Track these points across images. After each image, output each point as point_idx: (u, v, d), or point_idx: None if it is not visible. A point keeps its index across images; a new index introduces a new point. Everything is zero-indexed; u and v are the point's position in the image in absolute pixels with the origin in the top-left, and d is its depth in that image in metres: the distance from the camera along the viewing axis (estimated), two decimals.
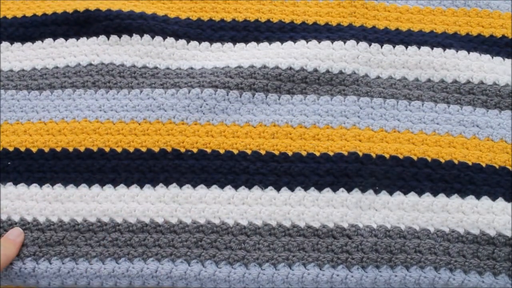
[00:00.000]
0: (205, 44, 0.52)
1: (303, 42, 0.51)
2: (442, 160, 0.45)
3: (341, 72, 0.49)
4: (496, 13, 0.54)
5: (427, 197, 0.44)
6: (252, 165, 0.45)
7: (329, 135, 0.46)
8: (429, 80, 0.50)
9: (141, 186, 0.44)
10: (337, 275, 0.40)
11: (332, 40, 0.51)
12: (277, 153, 0.46)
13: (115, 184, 0.45)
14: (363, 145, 0.46)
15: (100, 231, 0.42)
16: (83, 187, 0.44)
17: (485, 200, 0.43)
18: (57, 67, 0.50)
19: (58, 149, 0.46)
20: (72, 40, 0.52)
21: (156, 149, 0.46)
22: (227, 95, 0.48)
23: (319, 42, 0.51)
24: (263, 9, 0.54)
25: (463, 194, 0.44)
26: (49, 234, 0.42)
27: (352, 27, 0.53)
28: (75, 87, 0.49)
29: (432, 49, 0.51)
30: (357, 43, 0.50)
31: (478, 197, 0.44)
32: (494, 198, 0.43)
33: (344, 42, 0.50)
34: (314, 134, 0.47)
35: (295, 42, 0.51)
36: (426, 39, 0.51)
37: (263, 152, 0.46)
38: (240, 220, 0.43)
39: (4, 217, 0.43)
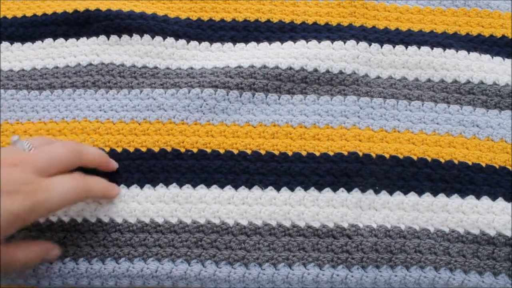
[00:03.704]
0: (205, 44, 0.52)
1: (303, 42, 0.51)
2: (442, 160, 0.45)
3: (341, 72, 0.49)
4: (496, 13, 0.54)
5: (427, 197, 0.44)
6: (252, 165, 0.45)
7: (329, 135, 0.46)
8: (429, 80, 0.50)
9: (141, 186, 0.44)
10: (337, 275, 0.40)
11: (332, 40, 0.51)
12: (277, 153, 0.46)
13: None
14: (363, 145, 0.46)
15: (100, 231, 0.42)
16: None
17: (485, 200, 0.43)
18: (57, 67, 0.50)
19: None
20: (72, 40, 0.52)
21: (156, 149, 0.46)
22: (227, 95, 0.48)
23: (319, 42, 0.51)
24: (263, 9, 0.54)
25: (463, 194, 0.44)
26: (49, 234, 0.42)
27: (352, 27, 0.53)
28: (75, 87, 0.49)
29: (432, 49, 0.51)
30: (357, 43, 0.50)
31: (478, 197, 0.44)
32: (494, 198, 0.43)
33: (344, 42, 0.50)
34: (314, 134, 0.47)
35: (295, 42, 0.51)
36: (426, 39, 0.51)
37: (263, 152, 0.46)
38: (240, 220, 0.43)
39: None
